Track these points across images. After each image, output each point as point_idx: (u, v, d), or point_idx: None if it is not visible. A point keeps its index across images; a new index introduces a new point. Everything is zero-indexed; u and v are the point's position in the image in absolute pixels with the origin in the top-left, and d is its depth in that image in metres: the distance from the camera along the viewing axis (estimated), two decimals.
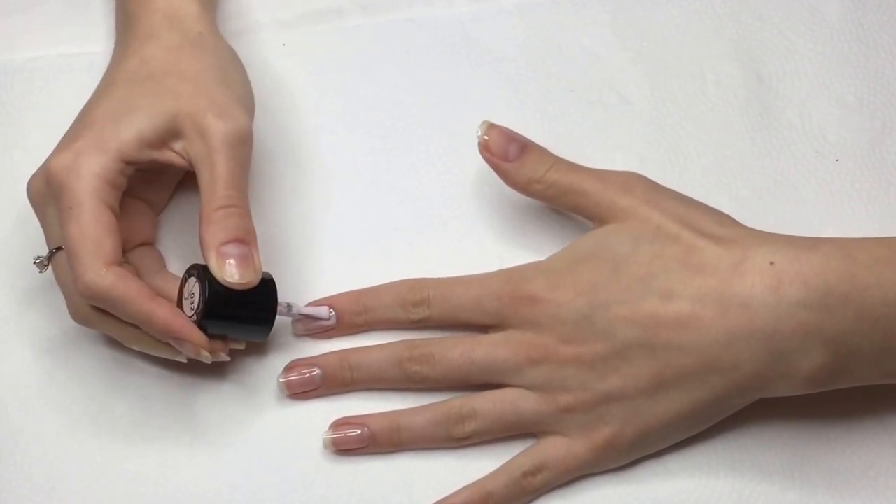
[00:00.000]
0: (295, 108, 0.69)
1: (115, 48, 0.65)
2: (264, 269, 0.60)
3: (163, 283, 0.61)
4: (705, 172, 0.67)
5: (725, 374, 0.58)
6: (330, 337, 0.64)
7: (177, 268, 0.64)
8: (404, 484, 0.62)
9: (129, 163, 0.59)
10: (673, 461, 0.62)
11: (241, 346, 0.62)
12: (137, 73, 0.61)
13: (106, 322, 0.60)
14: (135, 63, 0.62)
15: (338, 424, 0.62)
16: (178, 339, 0.58)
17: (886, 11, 0.70)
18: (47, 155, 0.60)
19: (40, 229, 0.61)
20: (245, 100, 0.62)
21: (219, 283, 0.58)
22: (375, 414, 0.62)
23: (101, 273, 0.57)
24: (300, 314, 0.63)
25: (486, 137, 0.63)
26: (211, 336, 0.59)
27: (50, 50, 0.70)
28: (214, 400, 0.63)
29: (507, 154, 0.62)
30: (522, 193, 0.63)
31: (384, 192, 0.67)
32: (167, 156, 0.60)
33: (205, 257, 0.58)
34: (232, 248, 0.58)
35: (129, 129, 0.59)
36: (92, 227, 0.57)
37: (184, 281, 0.60)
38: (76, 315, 0.60)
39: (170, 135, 0.60)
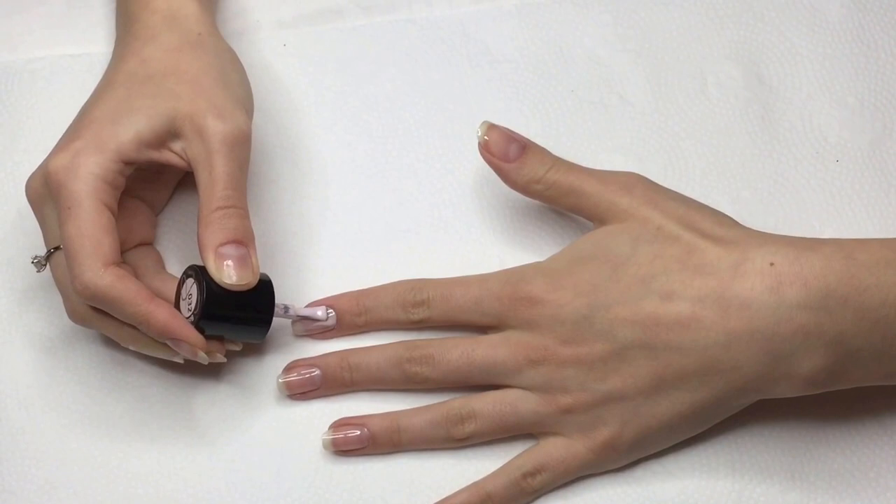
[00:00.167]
0: (295, 108, 0.69)
1: (115, 48, 0.65)
2: (264, 270, 0.60)
3: (161, 284, 0.61)
4: (705, 173, 0.67)
5: (725, 374, 0.58)
6: (330, 337, 0.64)
7: (177, 268, 0.64)
8: (404, 485, 0.62)
9: (127, 163, 0.59)
10: (673, 462, 0.62)
11: (238, 347, 0.62)
12: (137, 73, 0.61)
13: (103, 322, 0.60)
14: (134, 63, 0.62)
15: (337, 425, 0.62)
16: (175, 340, 0.58)
17: (887, 13, 0.70)
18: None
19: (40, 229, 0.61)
20: (244, 101, 0.62)
21: (216, 285, 0.58)
22: (375, 415, 0.62)
23: (98, 273, 0.57)
24: (297, 315, 0.63)
25: (486, 138, 0.63)
26: (208, 337, 0.59)
27: (51, 51, 0.70)
28: (214, 400, 0.63)
29: (508, 154, 0.62)
30: (522, 194, 0.63)
31: (384, 193, 0.67)
32: (166, 156, 0.61)
33: (203, 258, 0.58)
34: (230, 250, 0.58)
35: (128, 130, 0.59)
36: (90, 228, 0.57)
37: (181, 281, 0.60)
38: (73, 315, 0.60)
39: (169, 135, 0.60)
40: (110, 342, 0.63)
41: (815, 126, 0.68)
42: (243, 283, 0.58)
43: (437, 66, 0.70)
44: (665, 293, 0.58)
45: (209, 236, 0.58)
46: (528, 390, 0.61)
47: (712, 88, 0.69)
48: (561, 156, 0.63)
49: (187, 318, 0.58)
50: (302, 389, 0.63)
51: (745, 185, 0.67)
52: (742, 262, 0.58)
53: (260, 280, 0.59)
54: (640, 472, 0.62)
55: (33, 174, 0.61)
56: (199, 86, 0.60)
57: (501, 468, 0.61)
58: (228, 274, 0.58)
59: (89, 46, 0.70)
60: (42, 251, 0.61)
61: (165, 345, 0.59)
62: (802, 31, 0.70)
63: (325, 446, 0.62)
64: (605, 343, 0.59)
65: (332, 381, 0.63)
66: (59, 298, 0.61)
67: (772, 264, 0.57)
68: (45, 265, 0.61)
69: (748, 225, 0.61)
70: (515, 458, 0.61)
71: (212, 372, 0.63)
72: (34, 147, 0.66)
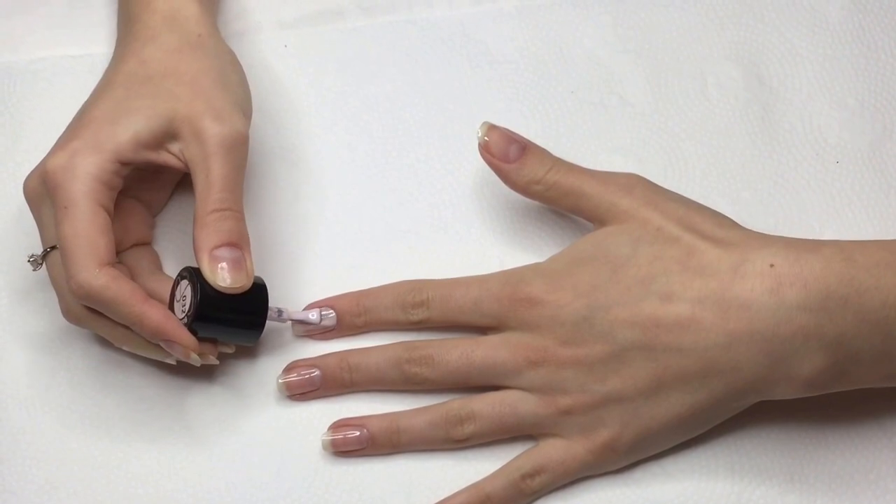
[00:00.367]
0: (295, 109, 0.69)
1: (115, 49, 0.65)
2: (265, 270, 0.60)
3: (156, 285, 0.61)
4: (705, 174, 0.67)
5: (725, 376, 0.58)
6: (330, 338, 0.64)
7: (176, 269, 0.63)
8: (403, 486, 0.62)
9: (124, 163, 0.60)
10: (672, 464, 0.62)
11: (231, 350, 0.62)
12: (136, 74, 0.61)
13: (97, 322, 0.60)
14: (134, 64, 0.62)
15: (337, 426, 0.62)
16: (167, 342, 0.58)
17: (887, 14, 0.70)
18: None
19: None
20: (243, 103, 0.62)
21: (211, 287, 0.58)
22: (374, 415, 0.62)
23: (94, 273, 0.57)
24: (291, 319, 0.63)
25: (486, 139, 0.63)
26: (201, 339, 0.59)
27: (52, 51, 0.70)
28: (214, 401, 0.63)
29: (508, 155, 0.62)
30: (522, 195, 0.63)
31: (384, 194, 0.67)
32: (163, 157, 0.61)
33: (197, 260, 0.58)
34: (224, 252, 0.58)
35: (126, 130, 0.59)
36: (86, 228, 0.57)
37: (176, 283, 0.60)
38: (68, 314, 0.61)
39: (166, 136, 0.60)
40: (107, 342, 0.63)
41: (815, 127, 0.68)
42: (237, 286, 0.58)
43: (437, 66, 0.70)
44: (665, 294, 0.58)
45: (204, 238, 0.58)
46: (527, 391, 0.61)
47: (712, 89, 0.69)
48: (561, 156, 0.63)
49: (181, 319, 0.58)
50: (302, 390, 0.63)
51: (745, 186, 0.67)
52: (742, 264, 0.58)
53: (254, 283, 0.59)
54: (639, 473, 0.62)
55: (31, 173, 0.61)
56: (198, 87, 0.60)
57: (501, 469, 0.61)
58: (223, 276, 0.58)
59: (91, 47, 0.70)
60: (39, 250, 0.61)
61: (158, 346, 0.59)
62: (802, 32, 0.70)
63: (324, 447, 0.62)
64: (604, 344, 0.59)
65: (332, 382, 0.63)
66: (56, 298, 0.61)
67: (772, 266, 0.57)
68: (41, 264, 0.61)
69: (748, 226, 0.61)
70: (515, 459, 0.61)
71: (212, 372, 0.63)
72: (35, 147, 0.66)
